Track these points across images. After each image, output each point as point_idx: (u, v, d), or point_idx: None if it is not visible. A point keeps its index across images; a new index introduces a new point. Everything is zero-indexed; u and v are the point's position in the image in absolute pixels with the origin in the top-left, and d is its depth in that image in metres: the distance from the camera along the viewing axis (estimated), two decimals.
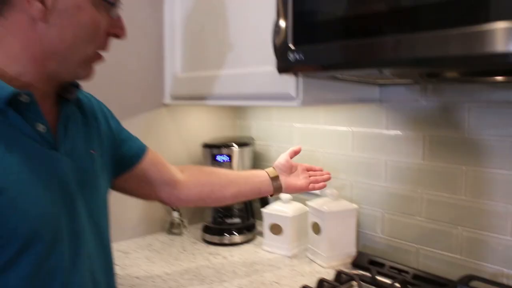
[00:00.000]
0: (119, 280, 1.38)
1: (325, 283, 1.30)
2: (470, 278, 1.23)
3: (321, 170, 1.41)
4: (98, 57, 0.93)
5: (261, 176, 1.34)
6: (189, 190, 1.28)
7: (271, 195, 1.36)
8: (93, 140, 1.02)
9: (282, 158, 1.37)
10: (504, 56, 0.74)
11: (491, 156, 1.26)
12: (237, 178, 1.33)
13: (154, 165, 1.23)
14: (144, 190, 1.22)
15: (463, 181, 1.32)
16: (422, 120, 1.40)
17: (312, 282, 1.33)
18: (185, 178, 1.29)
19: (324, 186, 1.38)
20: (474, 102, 1.28)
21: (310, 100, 1.24)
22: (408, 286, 1.27)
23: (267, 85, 1.30)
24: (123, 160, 1.14)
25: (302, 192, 1.39)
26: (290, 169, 1.36)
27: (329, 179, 1.39)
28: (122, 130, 1.17)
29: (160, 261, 1.58)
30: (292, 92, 1.22)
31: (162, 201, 1.28)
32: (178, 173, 1.28)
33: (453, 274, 1.33)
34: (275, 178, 1.33)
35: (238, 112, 2.10)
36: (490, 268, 1.28)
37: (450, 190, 1.35)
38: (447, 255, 1.37)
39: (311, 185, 1.35)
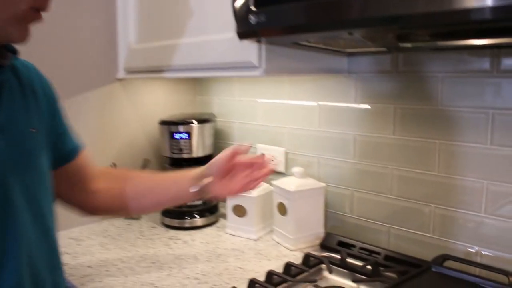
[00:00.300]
0: (69, 271, 1.27)
1: (292, 267, 1.21)
2: (444, 257, 1.16)
3: (262, 160, 1.12)
4: (35, 16, 0.79)
5: (182, 183, 1.13)
6: (102, 200, 1.15)
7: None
8: (32, 115, 0.90)
9: (220, 160, 1.10)
10: (472, 11, 0.67)
11: (465, 129, 1.19)
12: (156, 186, 1.17)
13: (81, 169, 1.10)
14: (61, 191, 1.05)
15: (436, 156, 1.25)
16: (393, 92, 1.32)
17: (279, 266, 1.24)
18: (99, 187, 1.15)
19: (259, 184, 1.12)
20: (447, 72, 1.20)
21: (273, 69, 1.13)
22: (380, 268, 1.20)
23: (228, 54, 1.19)
24: (53, 155, 0.99)
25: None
26: (227, 172, 1.11)
27: (268, 174, 1.11)
28: (63, 122, 1.04)
29: (116, 248, 1.46)
30: (254, 60, 1.12)
31: (77, 207, 1.15)
32: (96, 180, 1.15)
33: (426, 254, 1.26)
34: (200, 184, 1.11)
35: (198, 87, 1.98)
36: (463, 246, 1.22)
37: (422, 166, 1.28)
38: (420, 234, 1.31)
39: (244, 188, 1.11)
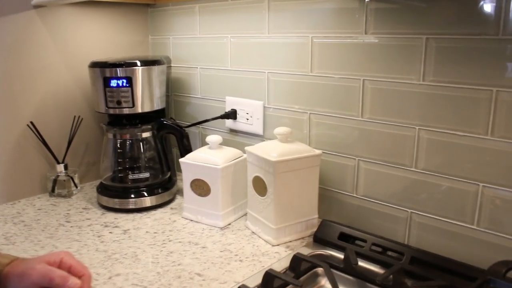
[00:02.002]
0: None
1: (276, 279, 0.80)
2: (509, 266, 0.76)
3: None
4: None
5: None
6: None
7: None
8: None
9: (23, 284, 0.72)
10: None
11: None
12: None
13: None
14: None
15: (490, 111, 0.83)
16: (424, 15, 0.89)
17: (255, 273, 0.83)
18: None
19: None
20: None
21: None
22: (407, 279, 0.79)
23: None
24: None
25: None
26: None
27: None
28: None
29: (26, 241, 1.04)
30: None
31: None
32: None
33: (466, 255, 0.87)
34: None
35: (151, 23, 1.50)
36: None
37: (466, 126, 0.87)
38: (457, 225, 0.91)
39: None
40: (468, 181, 0.88)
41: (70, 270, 0.76)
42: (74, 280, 0.73)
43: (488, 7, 0.80)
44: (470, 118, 0.85)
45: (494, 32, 0.80)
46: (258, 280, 0.82)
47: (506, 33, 0.79)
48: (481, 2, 0.81)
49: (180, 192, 1.30)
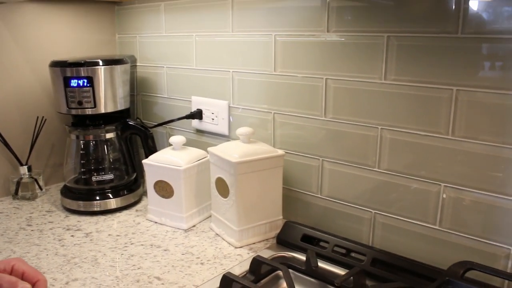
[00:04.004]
0: None
1: (234, 283, 0.78)
2: (466, 266, 0.75)
3: None
4: None
5: None
6: None
7: None
8: None
9: None
10: None
11: (502, 70, 0.76)
12: None
13: None
14: None
15: (450, 110, 0.83)
16: (386, 14, 0.88)
17: (215, 275, 0.82)
18: None
19: None
20: None
21: None
22: (368, 280, 0.78)
23: None
24: None
25: None
26: None
27: None
28: None
29: None
30: None
31: None
32: None
33: (429, 255, 0.87)
34: None
35: (118, 22, 1.47)
36: (487, 245, 0.82)
37: (428, 125, 0.86)
38: (419, 225, 0.90)
39: None
40: (430, 181, 0.87)
41: (23, 277, 0.73)
42: (24, 285, 0.70)
43: (448, 6, 0.79)
44: (431, 118, 0.85)
45: (453, 30, 0.80)
46: (217, 283, 0.80)
47: (465, 32, 0.78)
48: (441, 1, 0.80)
49: (145, 193, 1.28)
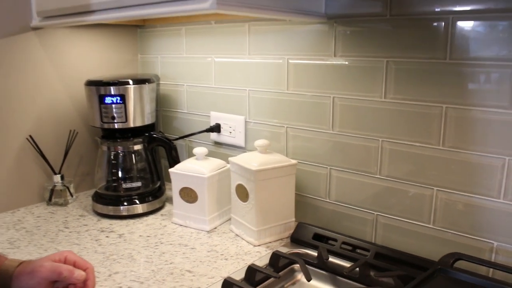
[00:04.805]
0: None
1: (257, 272, 0.91)
2: (455, 257, 0.89)
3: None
4: None
5: None
6: None
7: None
8: None
9: (35, 280, 0.83)
10: None
11: (482, 89, 0.91)
12: None
13: None
14: None
15: (441, 124, 0.96)
16: (385, 42, 1.02)
17: (239, 269, 0.95)
18: None
19: None
20: (459, 13, 0.91)
21: (227, 1, 0.81)
22: (371, 271, 0.92)
23: None
24: None
25: None
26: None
27: None
28: None
29: (29, 245, 1.13)
30: None
31: None
32: None
33: (424, 251, 1.01)
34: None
35: (140, 44, 1.62)
36: (474, 240, 0.96)
37: (422, 138, 1.00)
38: (416, 225, 1.04)
39: None
40: (425, 186, 1.01)
41: (74, 266, 0.87)
42: (80, 272, 0.84)
43: (437, 36, 0.94)
44: (425, 131, 0.99)
45: (442, 56, 0.94)
46: (242, 274, 0.93)
47: (452, 58, 0.92)
48: (432, 31, 0.94)
49: (168, 200, 1.41)
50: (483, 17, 0.87)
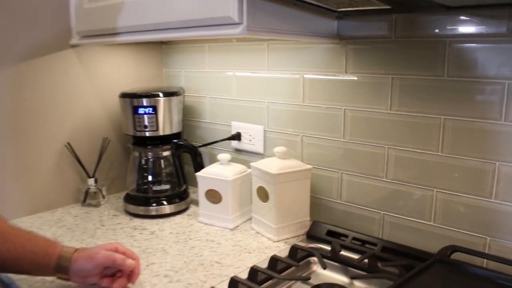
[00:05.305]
0: None
1: (278, 262, 1.04)
2: (453, 249, 1.02)
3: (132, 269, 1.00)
4: None
5: (44, 269, 0.98)
6: None
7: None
8: None
9: (92, 269, 0.98)
10: None
11: (475, 103, 1.04)
12: (14, 263, 0.98)
13: None
14: None
15: (439, 134, 1.10)
16: (390, 60, 1.16)
17: (262, 260, 1.08)
18: None
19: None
20: (456, 36, 1.04)
21: (256, 27, 0.94)
22: (378, 261, 1.05)
23: (201, 9, 0.99)
24: None
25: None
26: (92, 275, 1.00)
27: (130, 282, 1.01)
28: None
29: (72, 240, 1.27)
30: (234, 16, 0.92)
31: None
32: None
33: (426, 245, 1.13)
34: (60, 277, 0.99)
35: (165, 59, 1.77)
36: (469, 236, 1.08)
37: (423, 145, 1.13)
38: (418, 222, 1.16)
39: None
40: (426, 187, 1.14)
41: (124, 255, 1.00)
42: (131, 261, 0.98)
43: (436, 56, 1.07)
44: (426, 139, 1.12)
45: (441, 74, 1.07)
46: (265, 264, 1.06)
47: (449, 75, 1.06)
48: (432, 52, 1.08)
49: (193, 202, 1.54)
50: (475, 40, 1.01)
